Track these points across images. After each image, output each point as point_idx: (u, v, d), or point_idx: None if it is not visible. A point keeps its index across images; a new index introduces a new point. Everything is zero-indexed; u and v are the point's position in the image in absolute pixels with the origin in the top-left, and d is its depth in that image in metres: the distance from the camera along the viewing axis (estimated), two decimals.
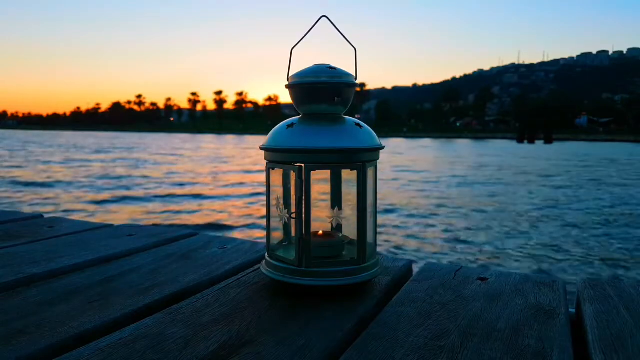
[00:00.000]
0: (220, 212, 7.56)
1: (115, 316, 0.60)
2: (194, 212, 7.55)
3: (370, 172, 0.69)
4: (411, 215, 7.33)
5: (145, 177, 12.31)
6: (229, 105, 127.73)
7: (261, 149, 0.71)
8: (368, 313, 0.62)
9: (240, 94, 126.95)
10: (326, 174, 0.77)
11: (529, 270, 4.55)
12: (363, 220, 0.68)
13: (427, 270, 0.79)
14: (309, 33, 0.70)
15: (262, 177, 0.74)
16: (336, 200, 0.76)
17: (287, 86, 0.71)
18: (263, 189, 0.79)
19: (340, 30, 0.72)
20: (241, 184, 11.25)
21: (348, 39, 0.72)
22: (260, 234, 5.82)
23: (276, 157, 0.69)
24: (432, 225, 6.66)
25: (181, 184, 10.94)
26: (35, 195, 8.89)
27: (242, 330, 0.56)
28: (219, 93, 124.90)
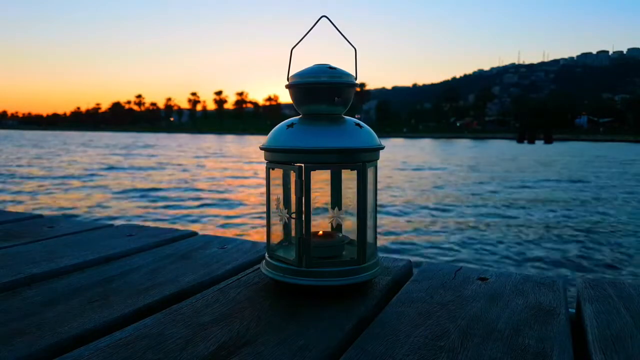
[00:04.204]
0: None
1: (115, 316, 0.60)
2: None
3: (370, 172, 0.69)
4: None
5: None
6: (229, 105, 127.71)
7: (261, 149, 0.71)
8: (368, 313, 0.62)
9: (240, 94, 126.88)
10: (326, 174, 0.77)
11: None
12: (363, 220, 0.68)
13: (427, 270, 0.79)
14: (309, 33, 0.70)
15: None
16: (336, 200, 0.76)
17: (287, 86, 0.71)
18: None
19: (340, 30, 0.72)
20: None
21: (348, 39, 0.72)
22: (260, 234, 5.83)
23: (276, 157, 0.69)
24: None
25: None
26: None
27: (242, 330, 0.56)
28: (219, 93, 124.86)
